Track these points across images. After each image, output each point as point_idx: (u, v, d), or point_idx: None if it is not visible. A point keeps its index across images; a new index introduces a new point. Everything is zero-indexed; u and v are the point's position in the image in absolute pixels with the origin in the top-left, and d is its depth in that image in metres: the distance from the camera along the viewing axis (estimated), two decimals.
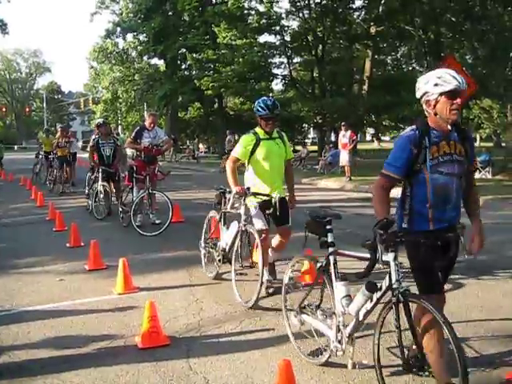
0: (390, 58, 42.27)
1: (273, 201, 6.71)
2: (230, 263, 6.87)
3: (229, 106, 53.71)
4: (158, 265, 8.39)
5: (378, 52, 37.16)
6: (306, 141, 52.67)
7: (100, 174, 13.21)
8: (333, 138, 39.83)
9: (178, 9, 42.23)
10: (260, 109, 6.72)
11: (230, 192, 7.04)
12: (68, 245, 10.01)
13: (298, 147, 39.13)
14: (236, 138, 41.19)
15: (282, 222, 7.02)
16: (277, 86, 49.09)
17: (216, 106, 47.77)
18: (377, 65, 38.85)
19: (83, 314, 6.23)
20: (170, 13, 46.09)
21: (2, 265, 8.69)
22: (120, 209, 12.15)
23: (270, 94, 43.40)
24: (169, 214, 11.02)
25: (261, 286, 6.25)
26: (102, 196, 13.28)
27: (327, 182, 21.38)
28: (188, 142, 48.23)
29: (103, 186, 13.14)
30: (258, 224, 6.72)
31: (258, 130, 6.86)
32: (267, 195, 6.78)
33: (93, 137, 15.09)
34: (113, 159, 13.55)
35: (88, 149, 17.20)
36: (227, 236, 7.15)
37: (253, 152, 6.76)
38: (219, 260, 7.23)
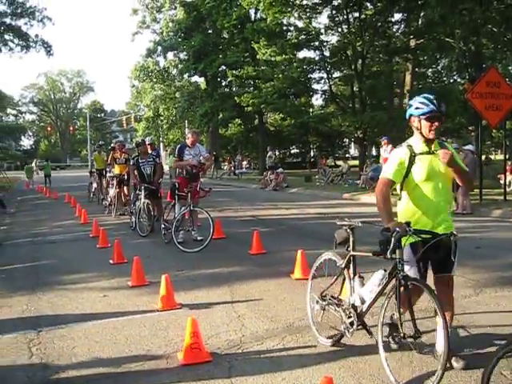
0: (430, 70, 41.82)
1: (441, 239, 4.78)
2: (367, 330, 5.18)
3: (269, 121, 53.93)
4: (200, 281, 8.41)
5: (419, 65, 36.85)
6: (347, 156, 52.49)
7: (142, 192, 13.36)
8: (374, 153, 39.63)
9: (218, 27, 42.68)
10: (421, 105, 4.83)
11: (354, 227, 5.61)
12: (111, 261, 10.13)
13: (339, 162, 39.02)
14: (276, 153, 41.45)
15: (445, 269, 4.98)
16: (317, 101, 49.16)
17: (256, 122, 47.99)
18: (417, 78, 38.52)
19: (126, 330, 6.29)
20: (210, 31, 46.62)
21: (47, 281, 8.86)
22: (162, 225, 12.25)
23: (311, 110, 43.51)
24: (210, 231, 11.05)
25: (444, 368, 4.34)
26: (144, 213, 13.41)
27: (369, 197, 21.19)
28: (229, 158, 48.50)
29: (146, 203, 13.28)
30: (410, 272, 4.85)
31: (411, 141, 5.05)
32: (430, 232, 4.84)
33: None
34: (153, 177, 13.74)
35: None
36: (366, 289, 5.11)
37: (408, 172, 4.90)
38: (350, 323, 5.18)
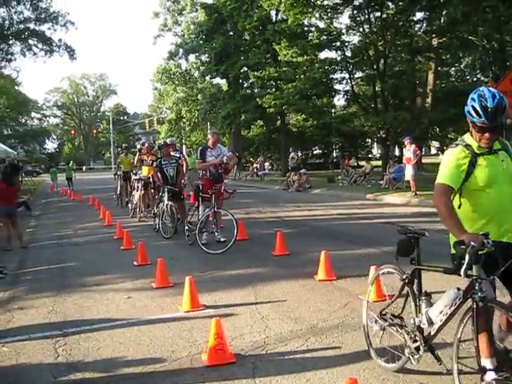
0: (453, 69, 41.51)
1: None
2: (436, 357, 4.44)
3: (291, 123, 53.82)
4: (224, 282, 8.43)
5: (441, 64, 36.60)
6: (370, 156, 52.25)
7: (165, 194, 13.42)
8: (397, 153, 39.37)
9: (239, 28, 42.72)
10: (473, 111, 4.06)
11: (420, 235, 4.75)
12: (135, 263, 10.20)
13: (362, 162, 38.86)
14: (299, 154, 41.39)
15: None
16: (339, 101, 49.03)
17: (278, 123, 47.94)
18: (440, 77, 38.26)
19: (150, 331, 6.33)
20: (231, 32, 46.68)
21: (72, 283, 8.96)
22: (186, 227, 12.29)
23: (333, 110, 43.39)
24: (234, 232, 11.05)
25: None
26: (167, 215, 13.46)
27: (392, 197, 21.10)
28: (252, 159, 48.57)
29: (169, 205, 13.33)
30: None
31: (468, 138, 4.26)
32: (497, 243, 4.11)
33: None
34: (176, 178, 13.78)
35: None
36: (435, 310, 4.37)
37: (468, 175, 4.16)
38: (416, 348, 4.54)
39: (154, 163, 14.64)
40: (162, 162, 13.86)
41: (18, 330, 6.63)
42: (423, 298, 4.55)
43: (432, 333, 4.35)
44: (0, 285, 9.09)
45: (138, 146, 20.95)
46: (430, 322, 4.35)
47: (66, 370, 5.28)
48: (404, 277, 4.79)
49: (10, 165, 20.32)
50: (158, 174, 13.95)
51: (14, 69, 52.94)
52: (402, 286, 4.85)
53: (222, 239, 11.68)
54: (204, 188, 11.91)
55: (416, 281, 4.70)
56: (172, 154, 15.01)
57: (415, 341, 4.52)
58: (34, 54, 45.27)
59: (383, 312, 5.02)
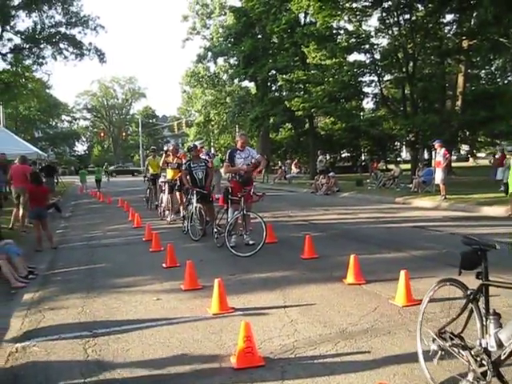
0: (483, 71, 41.11)
1: None
2: (503, 382, 4.03)
3: (319, 126, 53.72)
4: (252, 285, 8.42)
5: (471, 66, 36.28)
6: (399, 159, 51.88)
7: (194, 196, 13.44)
8: (426, 156, 39.05)
9: (268, 31, 42.76)
10: None
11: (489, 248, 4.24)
12: (164, 265, 10.23)
13: (391, 166, 38.59)
14: (327, 157, 41.28)
15: None
16: (367, 104, 48.74)
17: (307, 126, 47.86)
18: (470, 79, 37.89)
19: (179, 333, 6.34)
20: (260, 36, 46.77)
21: (102, 284, 9.03)
22: (215, 230, 12.30)
23: (361, 113, 43.22)
24: (262, 235, 11.03)
25: None
26: (196, 217, 13.49)
27: (421, 200, 20.91)
28: (280, 162, 48.50)
29: (198, 207, 13.36)
30: None
31: None
32: None
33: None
34: (205, 181, 13.79)
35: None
36: (508, 332, 3.96)
37: None
38: (483, 374, 4.03)
39: (183, 166, 14.66)
40: (191, 165, 13.86)
41: (49, 329, 6.70)
42: (491, 317, 4.06)
43: (502, 357, 3.89)
44: (31, 285, 9.20)
45: (165, 148, 20.96)
46: (500, 345, 3.90)
47: (95, 371, 5.31)
48: (468, 293, 4.41)
49: (47, 166, 20.50)
50: (187, 176, 13.96)
51: (45, 72, 53.65)
52: (465, 302, 4.45)
53: (251, 242, 11.68)
54: (233, 191, 11.91)
55: (483, 298, 4.24)
56: (203, 157, 15.03)
57: (481, 365, 4.02)
58: (65, 57, 45.83)
59: (442, 330, 4.56)
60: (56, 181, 27.23)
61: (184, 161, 16.29)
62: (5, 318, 7.31)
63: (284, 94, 47.42)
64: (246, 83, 56.57)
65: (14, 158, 18.64)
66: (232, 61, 52.69)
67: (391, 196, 23.46)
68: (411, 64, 32.07)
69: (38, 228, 13.18)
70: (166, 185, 17.23)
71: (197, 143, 15.91)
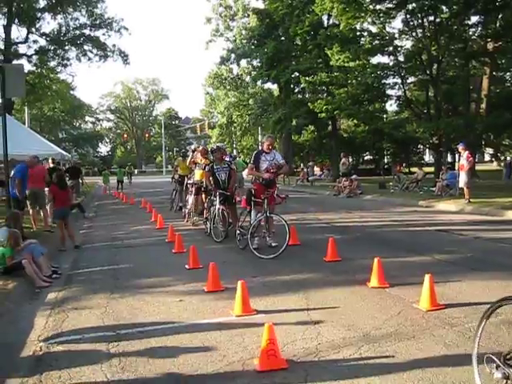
0: (508, 73, 40.65)
1: None
2: None
3: (342, 128, 53.57)
4: (275, 287, 8.38)
5: (497, 68, 35.90)
6: (422, 162, 51.54)
7: (217, 198, 13.45)
8: (449, 159, 38.77)
9: (291, 33, 42.74)
10: None
11: None
12: (187, 266, 10.22)
13: (414, 169, 38.36)
14: (350, 160, 41.11)
15: None
16: (391, 107, 48.57)
17: (329, 128, 47.72)
18: (495, 82, 37.52)
19: (202, 334, 6.32)
20: (283, 38, 46.75)
21: (125, 284, 9.06)
22: (238, 231, 12.28)
23: (384, 116, 43.02)
24: (286, 237, 10.97)
25: None
26: (219, 219, 13.49)
27: (445, 204, 20.74)
28: (302, 164, 48.42)
29: (220, 209, 13.35)
30: None
31: None
32: None
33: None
34: (228, 183, 13.76)
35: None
36: None
37: None
38: None
39: (206, 167, 14.66)
40: (215, 167, 13.85)
41: (73, 329, 6.74)
42: None
43: None
44: (55, 285, 9.27)
45: (193, 147, 20.81)
46: None
47: (118, 371, 5.33)
48: None
49: (73, 167, 20.60)
50: (210, 178, 13.97)
51: (69, 74, 54.16)
52: None
53: (274, 244, 11.65)
54: (256, 193, 11.89)
55: None
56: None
57: None
58: (89, 59, 46.34)
59: (508, 356, 3.92)
60: (81, 181, 27.36)
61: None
62: (29, 317, 7.37)
63: (307, 96, 47.40)
64: (268, 85, 56.66)
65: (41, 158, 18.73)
66: (255, 63, 52.69)
67: (414, 199, 23.30)
68: (435, 66, 31.91)
69: (62, 228, 13.28)
70: (194, 186, 17.07)
71: (218, 145, 15.81)
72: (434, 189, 25.87)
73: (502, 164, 35.49)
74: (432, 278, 6.92)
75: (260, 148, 13.17)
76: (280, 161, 12.42)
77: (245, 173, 20.21)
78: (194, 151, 18.94)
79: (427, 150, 57.75)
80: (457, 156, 22.47)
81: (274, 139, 12.98)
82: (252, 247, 11.06)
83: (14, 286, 8.80)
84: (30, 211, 15.93)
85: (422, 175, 29.80)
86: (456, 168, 24.61)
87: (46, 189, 15.72)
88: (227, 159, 15.06)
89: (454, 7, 29.90)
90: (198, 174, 17.25)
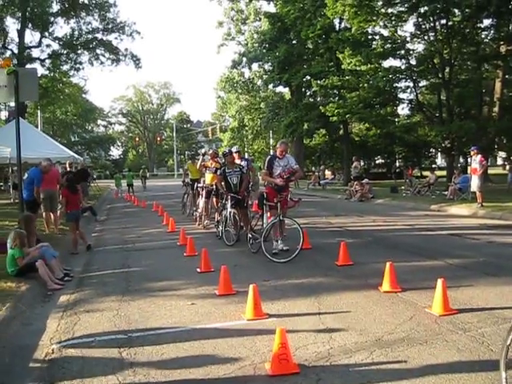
0: None
1: None
2: None
3: (354, 131, 53.45)
4: (287, 291, 8.37)
5: (509, 71, 35.70)
6: (434, 166, 51.33)
7: (229, 202, 13.45)
8: (462, 163, 38.59)
9: (302, 37, 42.66)
10: None
11: None
12: (198, 270, 10.23)
13: (426, 172, 38.21)
14: (361, 164, 41.05)
15: None
16: (403, 110, 48.36)
17: (341, 132, 47.63)
18: (508, 85, 37.31)
19: (213, 338, 6.31)
20: (294, 41, 46.70)
21: (137, 288, 9.08)
22: (249, 235, 12.27)
23: (396, 119, 42.90)
24: (299, 241, 10.89)
25: None
26: (231, 222, 13.48)
27: (457, 208, 20.63)
28: (314, 168, 48.30)
29: (232, 212, 13.35)
30: None
31: None
32: None
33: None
34: (240, 187, 13.74)
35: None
36: None
37: None
38: None
39: (218, 171, 14.66)
40: (226, 170, 13.85)
41: (84, 332, 6.76)
42: None
43: None
44: (67, 287, 9.30)
45: (203, 151, 20.77)
46: None
47: (130, 374, 5.34)
48: None
49: (83, 170, 20.67)
50: (222, 182, 13.97)
51: (81, 77, 54.48)
52: None
53: (285, 248, 11.62)
54: (268, 196, 11.88)
55: None
56: (238, 162, 14.97)
57: None
58: (101, 63, 46.65)
59: None
60: (88, 183, 27.41)
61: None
62: (41, 320, 7.40)
63: (318, 99, 47.33)
64: (280, 89, 56.74)
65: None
66: (267, 66, 52.70)
67: (426, 203, 23.20)
68: (447, 70, 31.80)
69: (74, 230, 13.35)
70: (204, 190, 17.10)
71: (233, 149, 15.79)
72: (446, 193, 25.78)
73: (508, 168, 35.29)
74: (445, 283, 6.89)
75: (273, 153, 13.10)
76: (294, 166, 12.34)
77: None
78: (203, 155, 18.95)
79: (439, 153, 57.49)
80: (469, 160, 22.33)
81: (287, 145, 12.89)
82: (265, 251, 11.03)
83: (26, 288, 8.83)
84: (44, 214, 15.99)
85: (434, 179, 29.67)
86: (468, 172, 24.50)
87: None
88: (243, 163, 14.98)
89: (467, 10, 29.82)
90: (208, 178, 17.30)
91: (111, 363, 5.63)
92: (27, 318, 7.50)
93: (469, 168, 22.85)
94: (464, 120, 32.20)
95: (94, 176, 56.25)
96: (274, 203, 11.57)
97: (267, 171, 12.23)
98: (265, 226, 11.67)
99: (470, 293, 7.80)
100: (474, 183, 20.70)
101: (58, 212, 16.48)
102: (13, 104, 29.00)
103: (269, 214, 11.85)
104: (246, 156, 44.90)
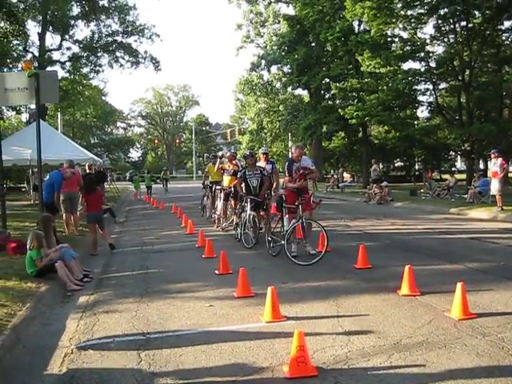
0: None
1: None
2: None
3: (373, 134, 53.24)
4: (305, 294, 8.35)
5: None
6: (453, 169, 50.99)
7: (248, 204, 13.41)
8: (481, 166, 38.31)
9: (321, 39, 42.63)
10: None
11: None
12: (217, 272, 10.25)
13: (445, 176, 37.97)
14: (381, 167, 40.90)
15: None
16: (422, 113, 48.18)
17: (360, 134, 47.46)
18: None
19: (232, 340, 6.32)
20: (313, 44, 46.68)
21: (155, 289, 9.11)
22: (269, 238, 12.23)
23: (415, 122, 42.69)
24: (324, 244, 10.89)
25: None
26: (250, 225, 13.46)
27: (477, 212, 20.47)
28: (332, 171, 48.14)
29: (251, 215, 13.34)
30: None
31: None
32: None
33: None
34: (260, 189, 13.71)
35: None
36: None
37: None
38: None
39: (238, 173, 14.63)
40: (247, 173, 13.81)
41: (103, 332, 6.81)
42: None
43: None
44: (86, 288, 9.37)
45: (220, 153, 20.64)
46: None
47: (148, 375, 5.36)
48: None
49: (99, 172, 20.79)
50: (242, 184, 13.95)
51: (101, 80, 54.81)
52: None
53: (312, 252, 11.52)
54: (287, 199, 11.86)
55: None
56: (263, 164, 14.88)
57: None
58: (121, 65, 46.99)
59: None
60: (107, 182, 27.46)
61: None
62: (61, 320, 7.47)
63: (337, 102, 47.21)
64: (299, 91, 56.66)
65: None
66: (285, 69, 52.72)
67: (446, 207, 23.05)
68: (467, 72, 31.63)
69: (94, 232, 13.44)
70: (223, 192, 17.06)
71: (261, 150, 15.67)
72: (465, 196, 25.59)
73: None
74: (464, 287, 6.84)
75: (290, 157, 13.05)
76: (311, 167, 12.35)
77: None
78: (221, 157, 18.89)
79: (459, 156, 57.10)
80: (489, 163, 22.16)
81: (302, 149, 12.73)
82: (290, 254, 11.01)
83: (46, 289, 8.91)
84: (64, 215, 16.11)
85: (454, 182, 29.48)
86: (488, 175, 24.30)
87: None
88: (268, 166, 14.86)
89: (487, 12, 29.65)
90: (226, 180, 17.28)
91: (130, 365, 5.66)
92: (47, 319, 7.57)
93: (488, 171, 22.64)
94: (484, 123, 31.96)
95: (114, 177, 56.56)
96: (293, 206, 11.54)
97: (289, 177, 12.15)
98: (285, 228, 11.63)
99: (490, 297, 7.74)
100: (494, 186, 20.52)
101: (78, 213, 16.64)
102: (33, 106, 29.36)
103: (287, 217, 11.82)
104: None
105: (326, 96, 50.28)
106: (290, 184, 12.08)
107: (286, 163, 12.67)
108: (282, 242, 11.22)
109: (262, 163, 15.01)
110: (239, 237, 13.96)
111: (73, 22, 44.04)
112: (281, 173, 17.13)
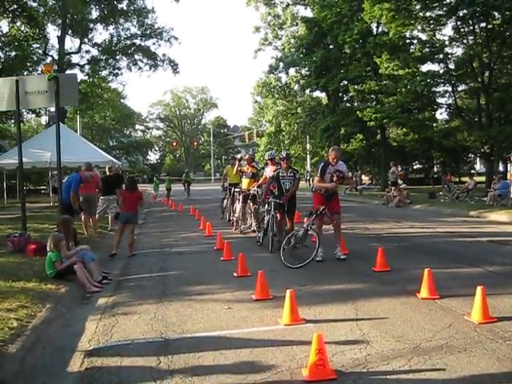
0: None
1: None
2: None
3: (391, 136, 52.99)
4: (324, 297, 8.34)
5: None
6: (472, 172, 50.62)
7: (272, 207, 13.19)
8: (501, 169, 37.96)
9: (339, 42, 42.47)
10: None
11: None
12: (235, 274, 10.26)
13: (465, 178, 37.71)
14: (399, 169, 40.67)
15: None
16: (441, 115, 47.72)
17: (378, 137, 47.24)
18: None
19: (250, 342, 6.33)
20: (331, 46, 46.51)
21: (174, 291, 9.14)
22: (291, 241, 12.09)
23: (434, 124, 42.44)
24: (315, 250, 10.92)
25: None
26: (270, 228, 13.30)
27: (497, 215, 20.28)
28: (351, 173, 47.90)
29: (273, 218, 13.11)
30: None
31: None
32: None
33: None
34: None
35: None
36: None
37: None
38: None
39: (271, 173, 14.39)
40: (280, 174, 13.26)
41: (122, 334, 6.84)
42: None
43: None
44: (105, 290, 9.43)
45: (238, 156, 20.53)
46: None
47: (167, 377, 5.38)
48: None
49: (116, 175, 20.92)
50: (271, 185, 13.78)
51: (120, 83, 55.16)
52: None
53: (342, 257, 11.51)
54: (314, 203, 11.83)
55: None
56: (271, 169, 14.78)
57: None
58: (140, 68, 47.33)
59: None
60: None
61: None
62: (80, 321, 7.52)
63: (356, 104, 47.06)
64: (317, 93, 56.50)
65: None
66: (304, 71, 52.64)
67: (465, 209, 22.87)
68: (487, 74, 31.40)
69: (121, 232, 13.44)
70: (241, 194, 16.96)
71: (282, 153, 15.28)
72: (485, 199, 25.38)
73: None
74: (484, 290, 6.78)
75: (325, 160, 12.81)
76: (346, 173, 12.25)
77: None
78: (239, 160, 18.82)
79: (478, 158, 56.69)
80: (509, 165, 21.99)
81: (339, 151, 12.37)
82: (317, 258, 11.07)
83: (66, 291, 8.97)
84: (83, 217, 16.21)
85: (473, 185, 29.26)
86: (508, 177, 24.12)
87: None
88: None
89: (507, 13, 29.38)
90: (245, 183, 17.18)
91: (149, 366, 5.68)
92: (66, 320, 7.63)
93: (508, 173, 22.48)
94: (504, 125, 31.64)
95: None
96: (318, 210, 11.49)
97: (320, 178, 11.94)
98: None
99: (510, 301, 7.67)
100: None
101: (97, 215, 16.74)
102: (53, 109, 29.64)
103: (305, 220, 11.79)
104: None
105: (344, 98, 50.10)
106: (320, 184, 11.90)
107: (321, 164, 12.32)
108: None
109: (270, 168, 14.98)
110: (261, 240, 13.92)
111: (92, 25, 44.48)
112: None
